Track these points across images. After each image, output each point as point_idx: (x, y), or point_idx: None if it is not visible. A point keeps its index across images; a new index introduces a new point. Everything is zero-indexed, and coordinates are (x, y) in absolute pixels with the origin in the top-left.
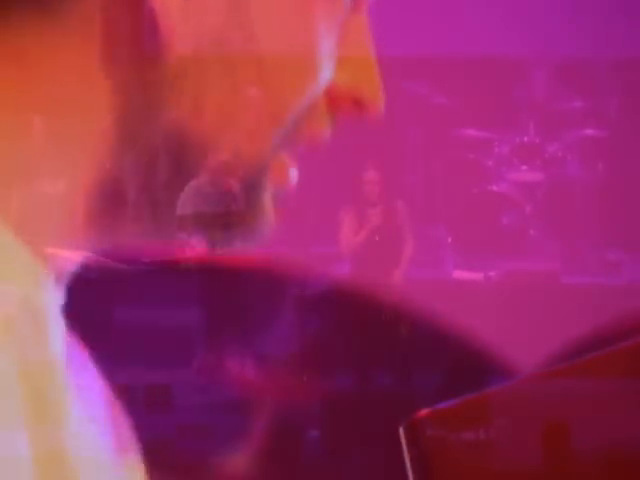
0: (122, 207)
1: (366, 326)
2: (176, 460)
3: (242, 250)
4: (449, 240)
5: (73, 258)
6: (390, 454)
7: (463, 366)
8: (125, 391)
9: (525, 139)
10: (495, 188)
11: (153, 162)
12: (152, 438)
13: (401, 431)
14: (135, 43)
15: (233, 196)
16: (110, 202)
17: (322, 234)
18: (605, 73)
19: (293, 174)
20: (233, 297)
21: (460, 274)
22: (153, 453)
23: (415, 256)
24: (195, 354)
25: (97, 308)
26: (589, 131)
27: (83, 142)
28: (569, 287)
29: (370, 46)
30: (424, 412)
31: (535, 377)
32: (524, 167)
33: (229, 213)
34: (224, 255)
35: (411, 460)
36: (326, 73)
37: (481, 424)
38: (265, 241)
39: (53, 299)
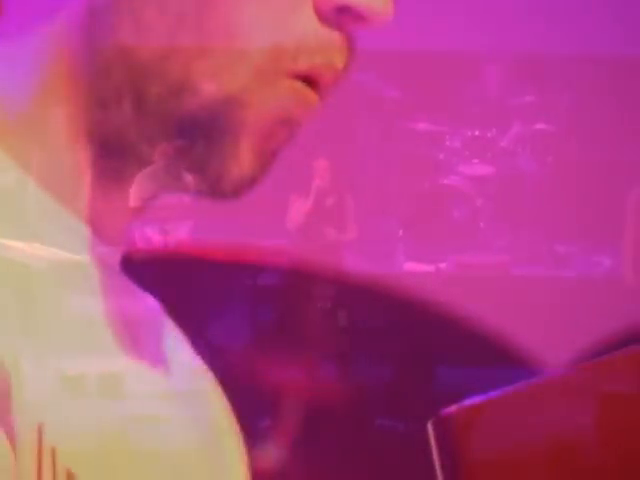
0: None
1: (317, 317)
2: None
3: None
4: (400, 233)
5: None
6: (341, 442)
7: (413, 358)
8: (77, 379)
9: (477, 133)
10: (446, 181)
11: (114, 95)
12: (103, 426)
13: (429, 427)
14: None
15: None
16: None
17: (273, 225)
18: (556, 69)
19: (311, 101)
20: (186, 287)
21: (411, 266)
22: (105, 441)
23: (366, 248)
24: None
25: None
26: (540, 125)
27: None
28: (519, 279)
29: None
30: (452, 409)
31: (562, 376)
32: (475, 160)
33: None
34: (178, 244)
35: (440, 456)
36: None
37: (508, 421)
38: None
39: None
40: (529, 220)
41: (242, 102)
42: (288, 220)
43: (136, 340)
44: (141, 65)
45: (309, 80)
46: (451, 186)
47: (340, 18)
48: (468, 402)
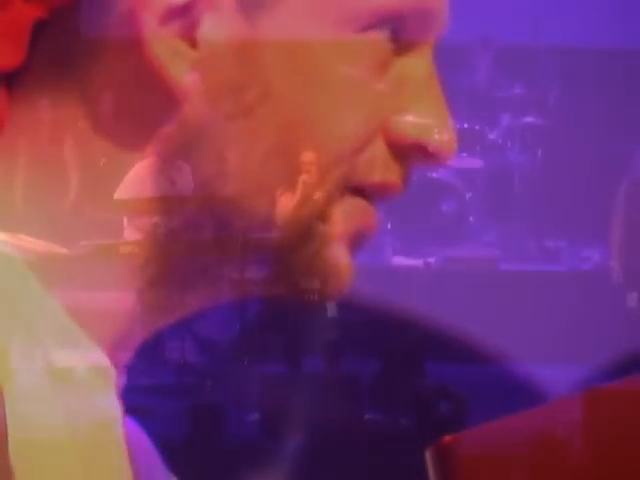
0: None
1: (305, 310)
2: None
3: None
4: (388, 226)
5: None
6: (326, 434)
7: (400, 351)
8: (65, 372)
9: (465, 126)
10: (435, 175)
11: (193, 224)
12: (91, 419)
13: (427, 455)
14: (148, 108)
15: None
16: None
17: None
18: (545, 61)
19: (373, 217)
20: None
21: (399, 260)
22: (93, 433)
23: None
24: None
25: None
26: (529, 118)
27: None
28: (507, 273)
29: (437, 87)
30: (451, 437)
31: (562, 404)
32: (464, 154)
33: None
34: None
35: None
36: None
37: (508, 449)
38: (344, 289)
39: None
40: (518, 214)
41: (323, 217)
42: (275, 214)
43: (123, 334)
44: (224, 202)
45: (369, 196)
46: (439, 180)
47: (409, 152)
48: (467, 431)
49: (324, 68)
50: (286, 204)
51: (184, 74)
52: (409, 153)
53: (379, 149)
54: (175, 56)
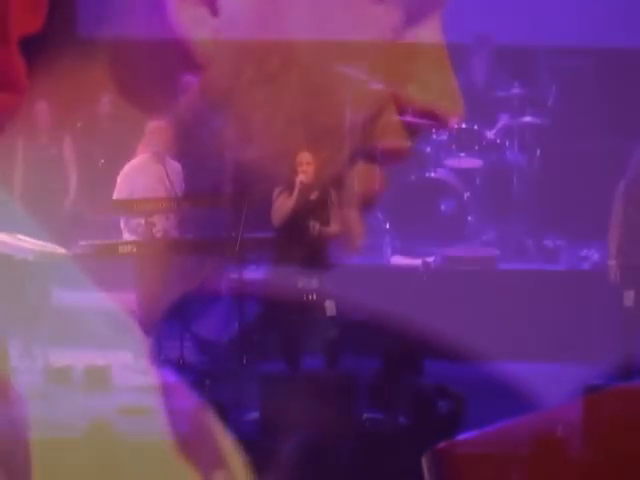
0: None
1: (303, 310)
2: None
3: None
4: (387, 226)
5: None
6: (325, 434)
7: (399, 351)
8: (63, 371)
9: (463, 126)
10: (433, 174)
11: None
12: (89, 417)
13: (423, 461)
14: (171, 77)
15: None
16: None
17: (258, 219)
18: (544, 61)
19: (381, 178)
20: (172, 280)
21: (398, 260)
22: (92, 432)
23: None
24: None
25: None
26: (527, 118)
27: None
28: (506, 273)
29: (444, 56)
30: (446, 443)
31: (554, 411)
32: (462, 154)
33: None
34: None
35: None
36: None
37: (500, 455)
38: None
39: None
40: (517, 214)
41: (341, 182)
42: (272, 214)
43: (123, 332)
44: (247, 165)
45: (379, 160)
46: (438, 179)
47: (418, 116)
48: (462, 437)
49: (342, 37)
50: (305, 170)
51: (206, 41)
52: (419, 118)
53: (391, 115)
54: (197, 23)
